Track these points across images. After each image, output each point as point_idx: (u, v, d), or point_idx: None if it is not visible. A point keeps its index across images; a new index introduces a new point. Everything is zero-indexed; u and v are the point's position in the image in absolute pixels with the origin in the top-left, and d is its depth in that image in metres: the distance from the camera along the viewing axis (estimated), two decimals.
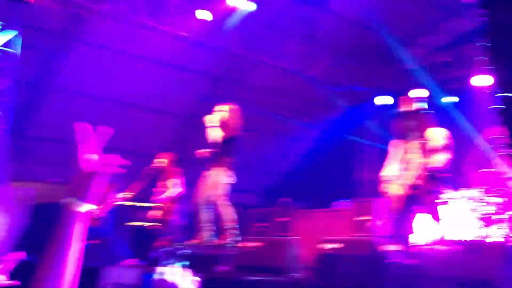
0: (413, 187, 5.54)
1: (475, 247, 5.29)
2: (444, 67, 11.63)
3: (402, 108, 5.98)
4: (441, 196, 5.62)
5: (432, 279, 5.07)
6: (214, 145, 7.05)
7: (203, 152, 7.15)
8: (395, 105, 12.20)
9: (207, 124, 7.08)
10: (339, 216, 10.59)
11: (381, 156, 12.57)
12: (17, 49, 8.28)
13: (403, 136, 5.77)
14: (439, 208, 5.64)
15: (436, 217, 5.56)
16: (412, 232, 5.86)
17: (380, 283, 5.19)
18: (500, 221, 8.21)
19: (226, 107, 7.13)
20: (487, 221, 8.40)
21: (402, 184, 5.63)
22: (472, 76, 10.86)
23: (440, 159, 5.48)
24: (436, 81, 11.65)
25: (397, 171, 5.75)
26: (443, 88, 11.55)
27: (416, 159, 5.53)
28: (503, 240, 7.46)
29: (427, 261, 5.34)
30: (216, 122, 7.03)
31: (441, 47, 12.15)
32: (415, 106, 5.99)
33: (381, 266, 5.22)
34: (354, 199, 11.09)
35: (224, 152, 6.97)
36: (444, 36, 12.29)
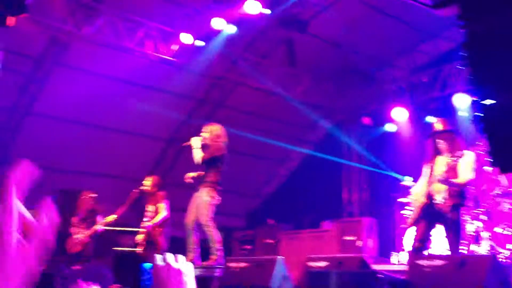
0: (436, 202, 5.77)
1: (463, 263, 5.28)
2: (423, 87, 11.78)
3: (436, 128, 6.18)
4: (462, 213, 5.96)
5: None
6: (199, 166, 7.09)
7: (190, 174, 7.22)
8: (376, 125, 12.45)
9: (192, 146, 7.14)
10: (326, 237, 10.56)
11: (365, 176, 12.76)
12: None
13: (435, 154, 5.99)
14: (461, 225, 5.93)
15: (455, 234, 5.80)
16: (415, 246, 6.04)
17: None
18: (485, 237, 8.26)
19: (208, 128, 7.23)
20: (473, 237, 8.44)
21: (423, 195, 5.88)
22: (452, 95, 11.02)
23: (466, 178, 5.75)
24: (417, 101, 11.80)
25: (424, 187, 5.98)
26: (424, 108, 11.69)
27: (443, 175, 5.76)
28: (488, 255, 7.48)
29: (416, 276, 5.32)
30: (199, 143, 7.11)
31: (420, 68, 12.35)
32: (448, 126, 6.28)
33: (372, 282, 5.19)
34: (340, 219, 11.07)
35: (208, 172, 7.02)
36: (423, 57, 12.52)
